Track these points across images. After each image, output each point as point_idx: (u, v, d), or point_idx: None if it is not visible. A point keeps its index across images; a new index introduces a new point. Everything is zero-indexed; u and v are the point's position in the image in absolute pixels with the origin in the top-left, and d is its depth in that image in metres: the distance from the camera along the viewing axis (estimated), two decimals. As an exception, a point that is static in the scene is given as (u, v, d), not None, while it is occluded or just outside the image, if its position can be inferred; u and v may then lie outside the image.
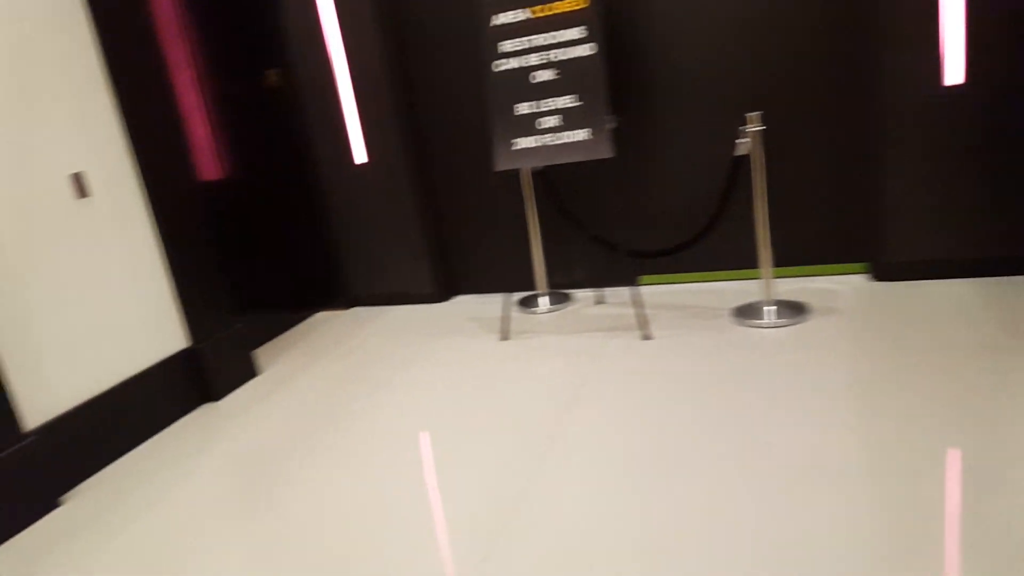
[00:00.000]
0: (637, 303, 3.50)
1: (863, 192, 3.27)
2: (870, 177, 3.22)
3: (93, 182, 2.65)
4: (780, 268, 3.47)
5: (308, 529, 2.07)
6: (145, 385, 2.81)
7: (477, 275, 4.05)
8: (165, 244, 2.92)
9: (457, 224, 3.98)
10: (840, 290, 3.23)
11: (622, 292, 3.73)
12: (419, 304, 4.05)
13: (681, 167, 3.53)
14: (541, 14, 3.06)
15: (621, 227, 3.70)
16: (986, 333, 2.57)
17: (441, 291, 4.01)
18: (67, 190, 2.56)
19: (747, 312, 3.10)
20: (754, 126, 2.88)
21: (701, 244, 3.53)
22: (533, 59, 3.11)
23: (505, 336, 3.33)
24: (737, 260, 3.55)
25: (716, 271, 3.62)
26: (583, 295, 3.79)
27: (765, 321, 2.98)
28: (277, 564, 1.92)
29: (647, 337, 3.07)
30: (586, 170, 3.67)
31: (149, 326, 2.87)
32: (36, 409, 2.42)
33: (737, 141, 2.95)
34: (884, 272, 3.23)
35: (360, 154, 3.85)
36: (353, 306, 4.19)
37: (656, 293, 3.62)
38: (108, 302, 2.70)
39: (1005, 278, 3.04)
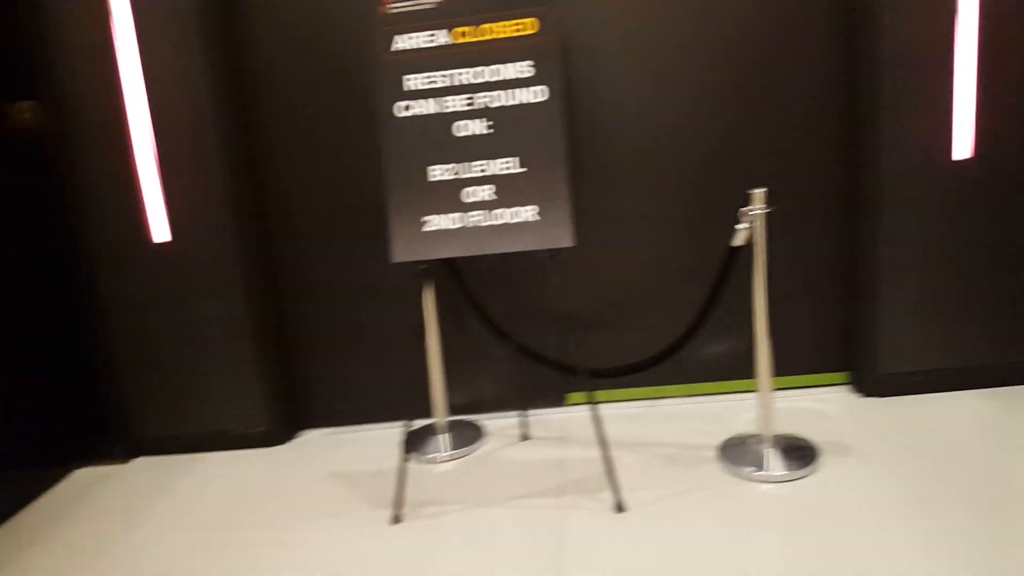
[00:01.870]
0: (600, 444, 2.54)
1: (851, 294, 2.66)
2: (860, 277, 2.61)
3: None
4: (743, 381, 2.72)
5: None
6: None
7: (334, 399, 2.83)
8: None
9: (307, 326, 2.77)
10: (831, 412, 2.55)
11: (549, 416, 2.76)
12: (245, 449, 2.73)
13: (639, 256, 2.69)
14: (467, 39, 2.07)
15: (542, 328, 2.75)
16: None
17: (281, 426, 2.75)
18: None
19: (739, 453, 2.29)
20: (758, 208, 2.13)
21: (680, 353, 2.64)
22: (455, 102, 2.10)
23: (398, 516, 2.18)
24: (707, 372, 2.75)
25: (673, 384, 2.78)
26: (495, 423, 2.75)
27: (769, 473, 2.18)
28: None
29: (620, 507, 2.12)
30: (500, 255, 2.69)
31: None
32: None
33: (737, 227, 2.16)
34: (873, 386, 2.61)
35: (161, 229, 2.52)
36: (137, 456, 2.75)
37: (602, 418, 2.71)
38: None
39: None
